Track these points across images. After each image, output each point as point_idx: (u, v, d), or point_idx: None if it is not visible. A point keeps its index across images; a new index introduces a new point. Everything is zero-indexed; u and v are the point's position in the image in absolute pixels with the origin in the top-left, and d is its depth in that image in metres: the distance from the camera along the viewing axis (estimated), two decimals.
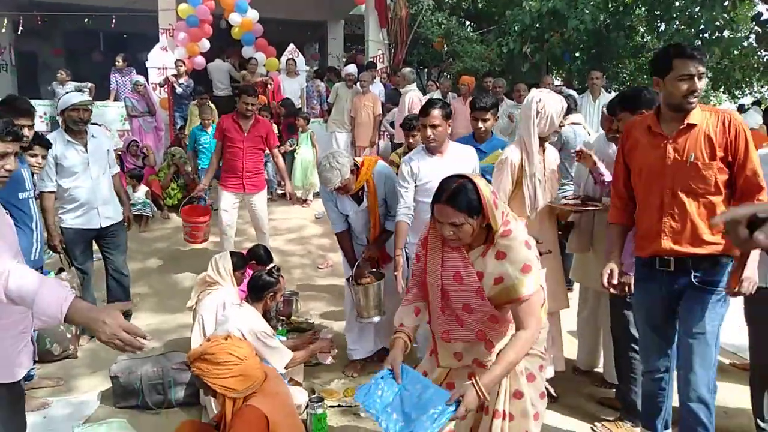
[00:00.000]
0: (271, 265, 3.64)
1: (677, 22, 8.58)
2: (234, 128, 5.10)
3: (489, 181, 3.37)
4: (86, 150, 4.02)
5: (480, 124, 3.74)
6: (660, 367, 2.58)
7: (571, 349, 3.77)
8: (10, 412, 1.84)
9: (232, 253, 3.78)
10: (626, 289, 2.64)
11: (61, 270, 4.16)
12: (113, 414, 3.23)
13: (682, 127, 2.31)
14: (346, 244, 3.69)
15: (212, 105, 7.82)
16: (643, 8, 10.24)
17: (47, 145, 3.72)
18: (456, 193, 1.91)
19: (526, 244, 1.97)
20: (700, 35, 8.71)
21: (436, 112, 3.23)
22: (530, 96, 3.15)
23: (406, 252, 3.38)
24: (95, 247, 4.33)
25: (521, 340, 1.95)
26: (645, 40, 11.55)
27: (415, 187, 3.33)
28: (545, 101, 3.05)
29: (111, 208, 4.18)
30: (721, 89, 12.82)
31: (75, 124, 3.95)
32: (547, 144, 3.18)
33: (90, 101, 4.11)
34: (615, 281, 2.47)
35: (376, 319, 3.49)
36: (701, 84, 2.26)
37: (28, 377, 3.46)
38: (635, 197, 2.52)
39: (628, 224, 2.58)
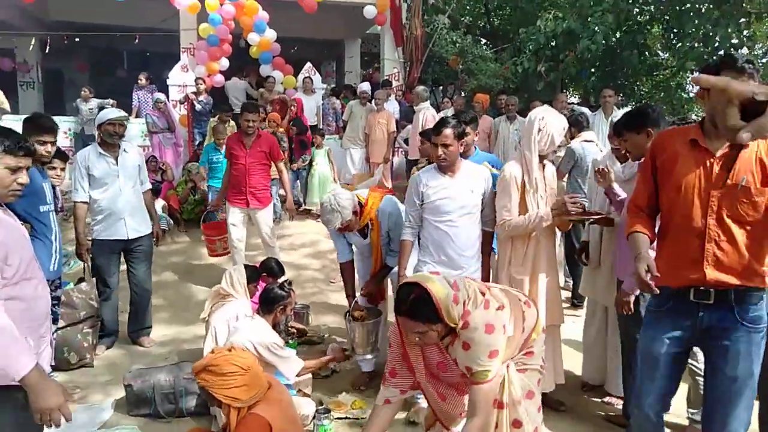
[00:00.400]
0: (283, 279, 3.73)
1: (691, 40, 8.58)
2: (238, 145, 5.23)
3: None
4: (117, 163, 4.18)
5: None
6: (654, 415, 2.28)
7: (575, 361, 3.78)
8: (28, 414, 1.93)
9: (245, 266, 3.88)
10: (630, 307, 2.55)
11: (80, 280, 4.29)
12: (126, 422, 3.31)
13: (733, 147, 2.04)
14: (347, 276, 3.79)
15: (233, 122, 7.99)
16: (658, 26, 10.28)
17: (65, 158, 3.95)
18: (413, 307, 1.97)
19: (486, 328, 1.99)
20: (715, 53, 8.70)
21: (448, 131, 3.15)
22: (533, 113, 3.22)
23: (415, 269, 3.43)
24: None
25: (475, 429, 2.02)
26: (661, 57, 11.55)
27: (422, 205, 3.27)
28: (547, 119, 3.11)
29: (138, 221, 4.31)
30: None
31: (110, 137, 4.12)
32: (546, 161, 3.24)
33: (126, 117, 4.30)
34: (655, 273, 2.11)
35: (369, 356, 3.58)
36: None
37: None
38: (664, 216, 2.26)
39: (651, 237, 2.30)
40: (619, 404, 3.39)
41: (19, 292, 1.91)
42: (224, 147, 6.51)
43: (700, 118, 2.20)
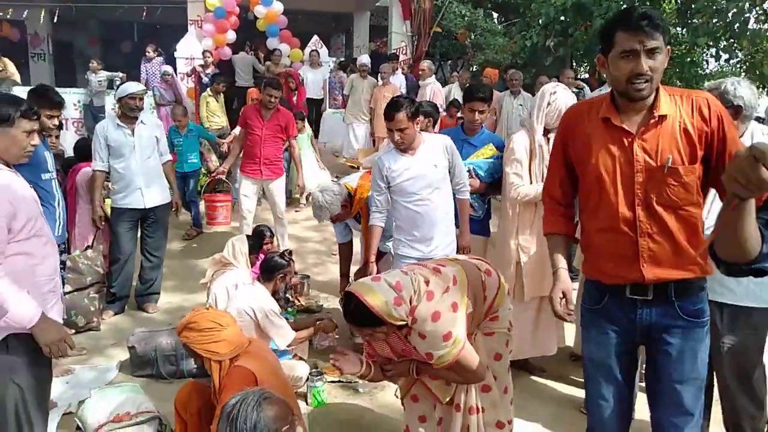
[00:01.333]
0: (284, 249, 3.84)
1: (703, 15, 8.43)
2: (255, 116, 5.32)
3: (479, 177, 3.48)
4: (133, 134, 4.32)
5: (476, 116, 3.51)
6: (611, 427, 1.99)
7: (565, 332, 3.87)
8: (39, 363, 2.11)
9: (248, 236, 3.99)
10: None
11: (87, 248, 4.43)
12: (130, 381, 3.46)
13: (652, 120, 1.78)
14: (344, 256, 3.92)
15: (222, 95, 7.95)
16: (671, 1, 10.08)
17: (60, 126, 4.09)
18: (354, 315, 2.00)
19: (433, 317, 1.99)
20: (729, 28, 8.55)
21: (401, 115, 3.05)
22: (546, 87, 3.27)
23: (388, 247, 3.50)
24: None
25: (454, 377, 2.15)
26: (673, 32, 11.33)
27: (389, 188, 3.24)
28: (558, 94, 3.16)
29: (156, 191, 4.45)
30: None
31: (131, 111, 4.28)
32: (551, 135, 3.28)
33: (144, 91, 4.45)
34: (572, 307, 1.96)
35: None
36: (653, 62, 1.69)
37: None
38: (586, 209, 1.96)
39: (571, 235, 2.06)
40: None
41: (28, 247, 2.08)
42: (185, 129, 6.55)
43: (608, 94, 1.88)
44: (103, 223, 4.42)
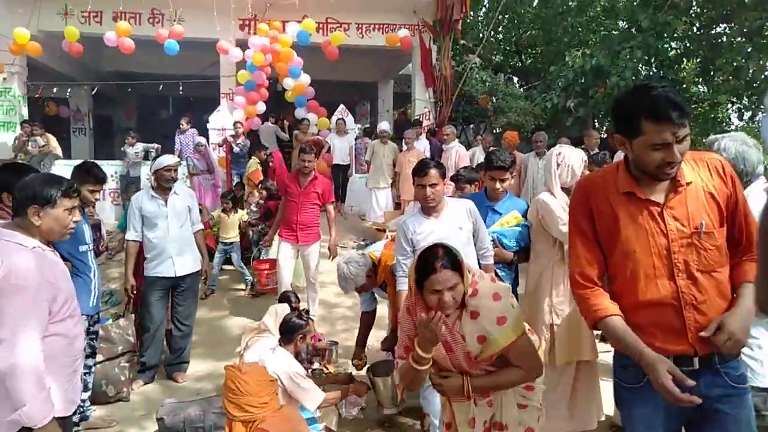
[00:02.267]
0: (302, 309, 3.85)
1: (723, 74, 8.53)
2: (294, 183, 5.53)
3: (504, 246, 3.46)
4: (166, 204, 4.48)
5: (497, 185, 3.49)
6: None
7: (604, 400, 3.72)
8: None
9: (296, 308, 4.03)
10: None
11: (118, 317, 4.50)
12: None
13: (679, 188, 1.77)
14: (364, 325, 3.94)
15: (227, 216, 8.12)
16: (692, 62, 10.24)
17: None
18: (449, 256, 1.97)
19: (494, 296, 2.01)
20: (750, 87, 8.60)
21: (434, 172, 3.14)
22: (551, 150, 3.31)
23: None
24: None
25: (515, 372, 2.08)
26: (693, 91, 11.45)
27: (414, 251, 3.17)
28: (565, 153, 3.21)
29: (187, 260, 4.56)
30: None
31: (167, 182, 4.48)
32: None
33: (179, 162, 4.69)
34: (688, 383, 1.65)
35: (393, 411, 3.63)
36: (682, 147, 1.69)
37: (84, 417, 3.73)
38: (618, 286, 1.86)
39: (621, 314, 1.84)
40: None
41: (62, 329, 2.09)
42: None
43: (622, 164, 1.86)
44: (134, 293, 4.50)
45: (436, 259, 1.97)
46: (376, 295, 3.98)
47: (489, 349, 2.01)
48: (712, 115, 12.07)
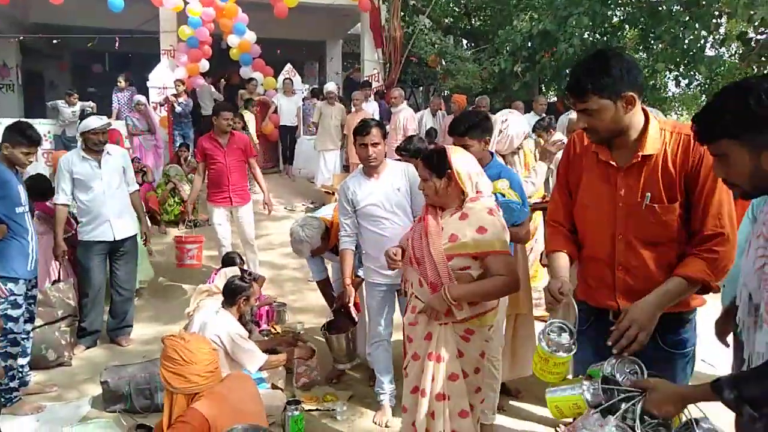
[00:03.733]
0: (247, 271, 3.84)
1: (662, 42, 8.82)
2: (214, 146, 5.30)
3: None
4: (99, 166, 4.28)
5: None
6: None
7: None
8: None
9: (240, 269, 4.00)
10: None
11: (55, 281, 4.36)
12: (103, 417, 3.40)
13: (635, 160, 1.82)
14: (325, 293, 3.96)
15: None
16: (634, 29, 10.50)
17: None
18: (430, 159, 2.30)
19: (489, 211, 2.21)
20: (686, 55, 8.94)
21: (375, 131, 3.14)
22: (497, 116, 3.37)
23: (360, 276, 3.51)
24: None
25: (496, 279, 2.25)
26: (635, 57, 11.78)
27: (355, 211, 3.26)
28: (510, 122, 3.28)
29: (125, 223, 4.41)
30: None
31: (95, 145, 4.24)
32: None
33: (108, 124, 4.40)
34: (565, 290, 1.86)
35: (348, 365, 3.72)
36: (591, 120, 1.78)
37: (24, 383, 3.64)
38: (578, 232, 2.03)
39: (573, 255, 2.01)
40: None
41: None
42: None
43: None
44: (65, 257, 4.35)
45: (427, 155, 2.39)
46: (324, 260, 4.00)
47: (455, 248, 2.23)
48: (651, 82, 12.49)
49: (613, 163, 1.86)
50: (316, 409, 3.44)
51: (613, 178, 1.86)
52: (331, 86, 9.14)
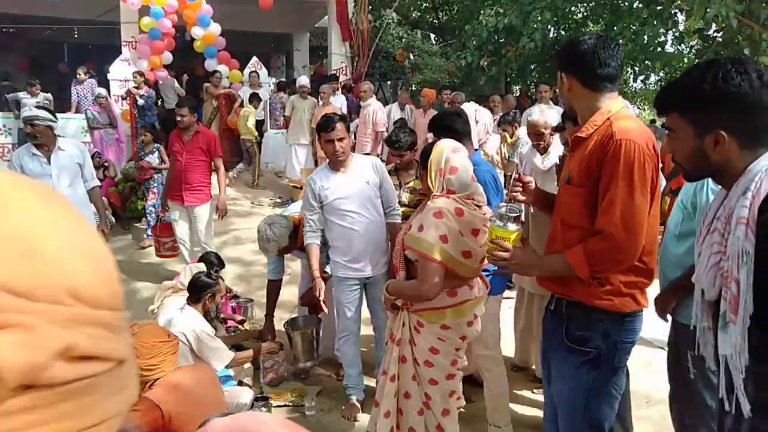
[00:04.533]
0: (214, 268, 3.80)
1: (623, 38, 9.03)
2: (178, 141, 5.19)
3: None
4: (49, 162, 4.10)
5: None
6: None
7: (507, 343, 4.00)
8: None
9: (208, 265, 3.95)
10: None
11: None
12: None
13: (572, 141, 1.93)
14: (271, 295, 3.93)
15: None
16: (596, 25, 10.71)
17: None
18: (426, 147, 2.41)
19: (435, 214, 2.24)
20: (645, 52, 9.17)
21: (339, 125, 3.16)
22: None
23: (327, 272, 3.48)
24: None
25: (411, 283, 2.34)
26: None
27: (321, 207, 3.25)
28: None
29: None
30: None
31: (32, 138, 4.08)
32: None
33: (36, 116, 4.08)
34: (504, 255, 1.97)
35: (309, 364, 3.69)
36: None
37: None
38: None
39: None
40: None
41: None
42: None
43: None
44: None
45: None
46: (285, 262, 3.97)
47: (406, 239, 2.34)
48: None
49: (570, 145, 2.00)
50: (285, 405, 3.44)
51: (566, 157, 2.03)
52: (303, 80, 9.07)
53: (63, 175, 4.16)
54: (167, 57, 9.44)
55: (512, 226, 1.91)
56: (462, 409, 2.65)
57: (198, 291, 3.32)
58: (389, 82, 12.22)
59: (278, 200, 8.48)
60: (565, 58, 1.86)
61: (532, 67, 10.93)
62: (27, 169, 4.07)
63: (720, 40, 8.54)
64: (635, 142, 1.70)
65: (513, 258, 1.87)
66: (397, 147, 3.62)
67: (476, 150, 3.12)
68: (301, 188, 8.09)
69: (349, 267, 3.26)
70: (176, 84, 10.04)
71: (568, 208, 1.88)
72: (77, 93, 9.51)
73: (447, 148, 2.39)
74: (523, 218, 1.97)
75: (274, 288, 3.94)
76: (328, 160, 3.30)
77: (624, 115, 1.82)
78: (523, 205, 2.14)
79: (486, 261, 2.40)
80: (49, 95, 9.17)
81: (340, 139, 3.16)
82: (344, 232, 3.22)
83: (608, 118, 1.80)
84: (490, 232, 1.96)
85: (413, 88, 11.86)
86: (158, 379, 2.28)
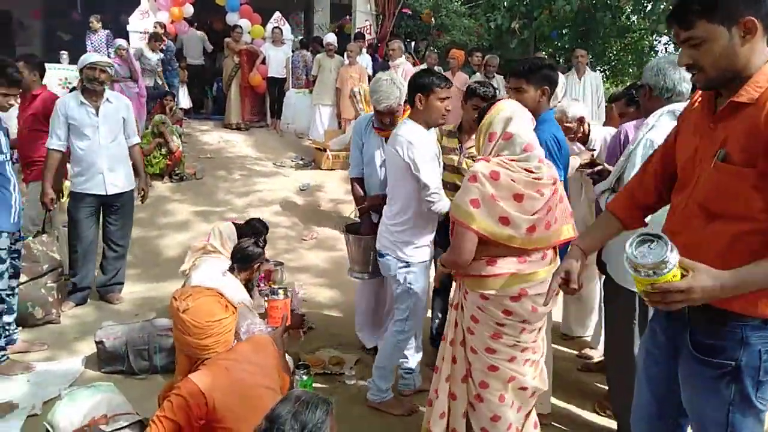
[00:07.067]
0: (260, 236, 3.66)
1: (664, 3, 8.61)
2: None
3: None
4: (97, 114, 3.97)
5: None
6: None
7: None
8: None
9: (236, 225, 3.77)
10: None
11: (38, 233, 4.10)
12: (98, 379, 3.22)
13: (722, 107, 1.50)
14: (356, 191, 3.42)
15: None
16: None
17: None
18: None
19: (470, 178, 2.17)
20: None
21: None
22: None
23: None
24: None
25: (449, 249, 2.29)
26: (631, 20, 11.57)
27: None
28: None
29: (120, 177, 4.12)
30: None
31: (90, 82, 3.92)
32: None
33: (109, 64, 4.07)
34: (573, 285, 1.74)
35: (364, 276, 3.30)
36: (697, 55, 1.47)
37: (11, 341, 3.44)
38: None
39: (626, 223, 1.81)
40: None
41: None
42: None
43: None
44: (54, 206, 4.08)
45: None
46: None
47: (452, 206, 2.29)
48: (641, 46, 12.35)
49: (710, 114, 1.55)
50: (324, 373, 3.33)
51: (703, 129, 1.55)
52: (330, 37, 8.74)
53: (109, 128, 4.03)
54: (188, 9, 9.12)
55: (666, 268, 1.34)
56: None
57: (247, 260, 3.21)
58: (413, 43, 11.81)
59: (300, 162, 8.28)
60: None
61: (564, 32, 10.48)
62: (72, 117, 3.91)
63: None
64: None
65: (693, 293, 1.35)
66: (479, 96, 3.15)
67: (551, 108, 2.86)
68: (324, 150, 7.90)
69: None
70: (206, 38, 9.69)
71: (722, 192, 1.47)
72: (92, 44, 9.20)
73: (505, 111, 2.21)
74: (669, 243, 1.37)
75: (356, 184, 3.44)
76: (430, 120, 2.82)
77: None
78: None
79: (560, 238, 2.23)
80: (63, 53, 8.87)
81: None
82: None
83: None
84: (637, 283, 1.42)
85: (435, 50, 11.45)
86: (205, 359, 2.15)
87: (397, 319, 2.95)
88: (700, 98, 1.64)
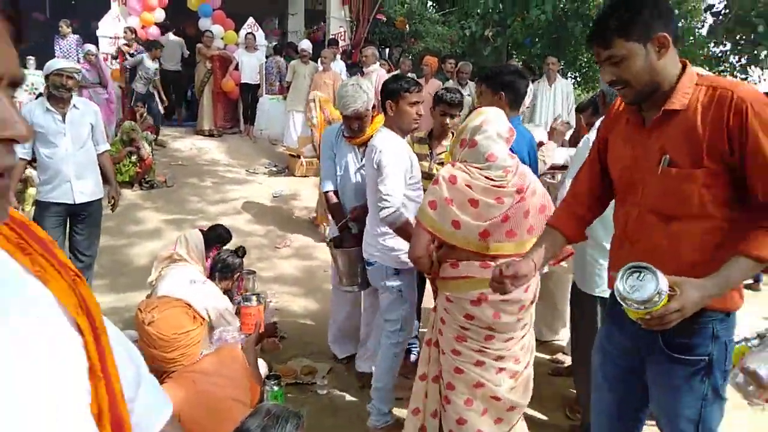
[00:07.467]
0: (239, 246, 3.66)
1: None
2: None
3: None
4: (63, 120, 3.86)
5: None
6: None
7: None
8: None
9: (202, 232, 3.72)
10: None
11: None
12: None
13: (657, 116, 1.55)
14: (334, 205, 3.28)
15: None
16: None
17: None
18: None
19: (434, 180, 2.25)
20: None
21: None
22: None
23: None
24: None
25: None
26: None
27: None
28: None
29: (88, 185, 4.00)
30: None
31: (57, 89, 3.80)
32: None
33: (77, 69, 4.00)
34: (508, 288, 1.72)
35: (354, 288, 3.21)
36: (619, 72, 1.53)
37: None
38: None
39: (570, 235, 1.81)
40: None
41: None
42: None
43: None
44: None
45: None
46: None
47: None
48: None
49: (640, 121, 1.62)
50: (296, 383, 3.29)
51: (635, 139, 1.61)
52: (305, 44, 8.71)
53: (75, 135, 3.91)
54: (159, 14, 9.00)
55: (659, 299, 1.38)
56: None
57: (227, 270, 3.21)
58: (387, 50, 11.85)
59: (274, 168, 8.23)
60: (656, 9, 1.50)
61: (536, 39, 10.62)
62: (38, 124, 3.79)
63: (731, 16, 8.33)
64: (758, 94, 1.45)
65: (686, 309, 1.39)
66: (448, 103, 3.14)
67: (517, 116, 2.86)
68: (297, 156, 7.86)
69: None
70: (184, 44, 9.53)
71: (673, 195, 1.52)
72: (60, 49, 9.01)
73: (477, 119, 2.23)
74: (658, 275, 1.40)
75: (331, 198, 3.28)
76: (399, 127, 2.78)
77: (709, 75, 1.58)
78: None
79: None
80: (30, 59, 8.67)
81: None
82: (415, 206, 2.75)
83: (697, 82, 1.52)
84: (631, 313, 1.45)
85: (409, 56, 11.48)
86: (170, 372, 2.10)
87: (389, 330, 2.85)
88: (622, 112, 1.71)
